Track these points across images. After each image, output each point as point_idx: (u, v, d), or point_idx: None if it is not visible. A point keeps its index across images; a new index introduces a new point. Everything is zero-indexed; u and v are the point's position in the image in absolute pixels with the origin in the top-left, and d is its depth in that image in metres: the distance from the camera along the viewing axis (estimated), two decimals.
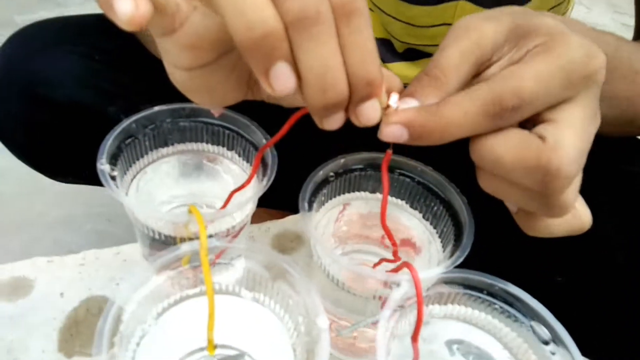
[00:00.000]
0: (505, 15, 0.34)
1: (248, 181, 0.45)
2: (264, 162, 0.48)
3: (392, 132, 0.32)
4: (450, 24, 0.57)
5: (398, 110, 0.32)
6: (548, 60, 0.31)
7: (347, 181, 0.49)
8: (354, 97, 0.31)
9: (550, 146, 0.31)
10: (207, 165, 0.53)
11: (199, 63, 0.33)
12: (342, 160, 0.48)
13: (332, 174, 0.48)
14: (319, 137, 0.53)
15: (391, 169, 0.49)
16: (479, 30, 0.33)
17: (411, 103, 0.33)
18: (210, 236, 0.46)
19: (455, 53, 0.33)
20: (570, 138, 0.31)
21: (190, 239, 0.45)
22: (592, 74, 0.32)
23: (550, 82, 0.31)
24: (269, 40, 0.28)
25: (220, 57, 0.34)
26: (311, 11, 0.28)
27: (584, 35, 0.32)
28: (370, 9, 0.61)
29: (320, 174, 0.47)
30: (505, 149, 0.31)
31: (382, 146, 0.36)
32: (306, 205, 0.44)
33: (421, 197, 0.49)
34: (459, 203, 0.46)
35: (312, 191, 0.46)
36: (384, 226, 0.40)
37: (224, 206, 0.46)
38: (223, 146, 0.53)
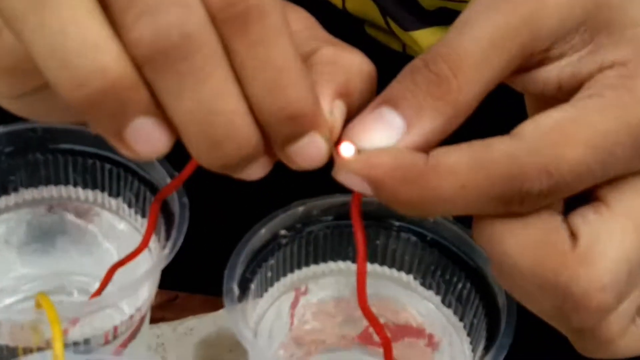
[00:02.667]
0: None
1: (141, 247, 0.42)
2: (166, 215, 0.44)
3: (349, 182, 0.30)
4: None
5: (359, 153, 0.31)
6: (620, 108, 0.30)
7: (310, 243, 0.46)
8: (275, 139, 0.30)
9: (580, 256, 0.30)
10: (75, 224, 0.50)
11: (27, 89, 0.33)
12: (301, 209, 0.44)
13: (283, 232, 0.45)
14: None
15: (386, 220, 0.45)
16: (539, 1, 0.31)
17: (386, 126, 0.31)
18: (76, 344, 0.43)
19: (485, 35, 0.30)
20: (615, 244, 0.30)
21: (42, 349, 0.42)
22: None
23: (615, 149, 0.30)
24: (114, 95, 0.27)
25: None
26: (173, 38, 0.27)
27: None
28: None
29: (262, 232, 0.43)
30: (518, 248, 0.30)
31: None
32: (235, 289, 0.41)
33: (437, 268, 0.45)
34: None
35: (248, 264, 0.43)
36: (363, 308, 0.37)
37: (99, 291, 0.43)
38: (102, 190, 0.49)
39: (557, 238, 0.30)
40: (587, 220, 0.31)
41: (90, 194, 0.49)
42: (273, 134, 0.30)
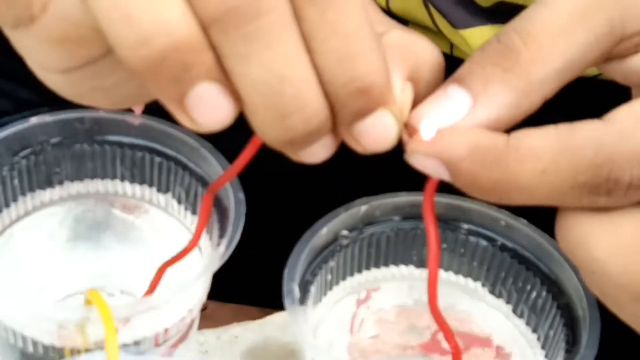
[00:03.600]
0: None
1: (192, 243, 0.41)
2: (220, 211, 0.44)
3: (424, 165, 0.30)
4: None
5: (434, 135, 0.30)
6: None
7: (372, 246, 0.46)
8: (343, 115, 0.29)
9: None
10: (122, 220, 0.50)
11: (78, 63, 0.32)
12: (364, 208, 0.44)
13: (344, 232, 0.44)
14: (320, 166, 0.48)
15: (453, 222, 0.45)
16: None
17: (450, 102, 0.30)
18: (126, 345, 0.43)
19: (566, 6, 0.30)
20: None
21: (89, 351, 0.42)
22: None
23: None
24: (177, 56, 0.27)
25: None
26: None
27: None
28: None
29: (323, 232, 0.43)
30: (609, 253, 0.29)
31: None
32: (296, 291, 0.40)
33: (508, 275, 0.44)
34: (574, 284, 0.42)
35: (308, 265, 0.42)
36: (434, 311, 0.37)
37: (150, 291, 0.43)
38: (150, 185, 0.49)
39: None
40: None
41: (138, 188, 0.49)
42: (340, 109, 0.29)
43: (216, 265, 0.42)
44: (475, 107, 0.30)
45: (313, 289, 0.42)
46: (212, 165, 0.45)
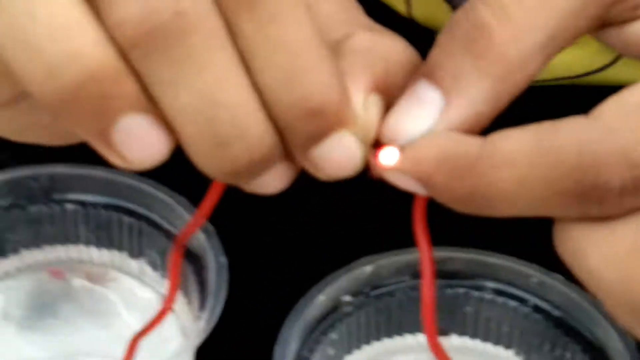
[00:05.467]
0: None
1: (164, 310, 0.39)
2: (199, 278, 0.43)
3: (398, 183, 0.29)
4: None
5: (402, 149, 0.29)
6: None
7: (382, 312, 0.44)
8: (294, 140, 0.28)
9: None
10: (87, 291, 0.47)
11: (2, 100, 0.31)
12: (369, 268, 0.42)
13: (347, 298, 0.42)
14: (315, 221, 0.53)
15: (477, 280, 0.42)
16: None
17: (421, 105, 0.29)
18: None
19: None
20: None
21: None
22: None
23: None
24: (95, 87, 0.27)
25: None
26: (164, 16, 0.26)
27: None
28: None
29: (320, 299, 0.41)
30: (603, 260, 0.27)
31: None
32: None
33: (544, 341, 0.42)
34: (619, 349, 0.40)
35: (304, 340, 0.41)
36: (434, 347, 0.34)
37: None
38: (120, 250, 0.47)
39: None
40: None
41: (105, 254, 0.47)
42: (290, 134, 0.28)
43: (196, 341, 0.40)
44: (449, 106, 0.29)
45: None
46: (187, 220, 0.44)
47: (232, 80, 0.27)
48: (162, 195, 0.45)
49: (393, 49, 0.31)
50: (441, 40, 0.30)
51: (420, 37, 0.61)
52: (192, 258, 0.42)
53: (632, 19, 0.30)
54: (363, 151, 0.29)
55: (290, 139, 0.28)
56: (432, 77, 0.29)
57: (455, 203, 0.28)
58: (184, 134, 0.28)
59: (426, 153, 0.29)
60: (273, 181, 0.29)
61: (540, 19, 0.29)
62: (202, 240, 0.42)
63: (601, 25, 0.30)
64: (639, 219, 0.28)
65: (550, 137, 0.27)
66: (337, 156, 0.29)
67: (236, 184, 0.29)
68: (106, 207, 0.45)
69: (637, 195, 0.27)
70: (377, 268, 0.42)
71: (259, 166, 0.28)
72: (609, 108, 0.28)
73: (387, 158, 0.29)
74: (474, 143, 0.28)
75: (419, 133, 0.29)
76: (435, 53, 0.30)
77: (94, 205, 0.45)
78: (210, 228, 0.43)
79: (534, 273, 0.42)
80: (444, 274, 0.43)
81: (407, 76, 0.31)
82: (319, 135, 0.28)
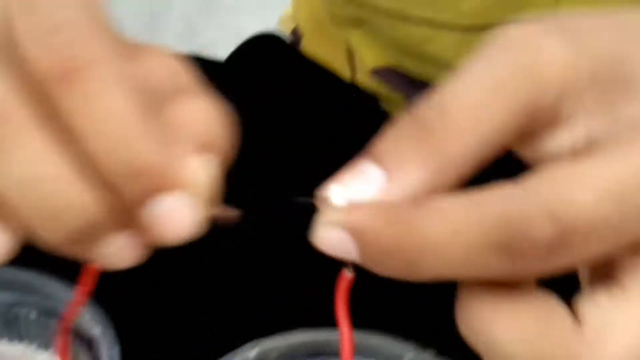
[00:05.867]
0: (593, 32, 0.31)
1: None
2: (90, 351, 0.43)
3: (330, 241, 0.29)
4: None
5: (343, 205, 0.29)
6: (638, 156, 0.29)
7: None
8: (126, 201, 0.29)
9: (587, 345, 0.28)
10: None
11: None
12: (254, 353, 0.42)
13: None
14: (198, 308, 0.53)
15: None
16: (542, 51, 0.30)
17: (364, 178, 0.29)
18: None
19: (480, 80, 0.30)
20: (627, 334, 0.29)
21: None
22: None
23: (635, 197, 0.28)
24: None
25: None
26: None
27: None
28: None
29: None
30: (509, 334, 0.28)
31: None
32: None
33: None
34: None
35: None
36: None
37: None
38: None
39: (557, 322, 0.29)
40: (597, 303, 0.29)
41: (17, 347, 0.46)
42: (118, 200, 0.29)
43: None
44: (390, 184, 0.29)
45: None
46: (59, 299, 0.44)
47: (48, 157, 0.28)
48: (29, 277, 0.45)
49: (212, 112, 0.33)
50: (388, 132, 0.31)
51: (363, 101, 0.64)
52: (82, 336, 0.42)
53: (544, 132, 0.31)
54: (199, 210, 0.30)
55: (121, 205, 0.29)
56: (376, 158, 0.30)
57: (385, 257, 0.29)
58: (20, 214, 0.29)
59: (363, 206, 0.29)
60: (115, 251, 0.30)
61: (478, 124, 0.30)
62: (88, 318, 0.42)
63: (522, 138, 0.31)
64: (545, 292, 0.29)
65: (480, 195, 0.28)
66: (169, 216, 0.29)
67: (82, 255, 0.29)
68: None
69: (560, 253, 0.28)
70: (262, 351, 0.42)
71: (93, 233, 0.29)
72: (532, 175, 0.29)
73: (337, 204, 0.30)
74: (409, 202, 0.29)
75: (360, 199, 0.30)
76: (381, 141, 0.31)
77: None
78: (96, 308, 0.42)
79: (407, 352, 0.42)
80: (325, 354, 0.43)
81: (227, 133, 0.33)
82: (147, 195, 0.29)
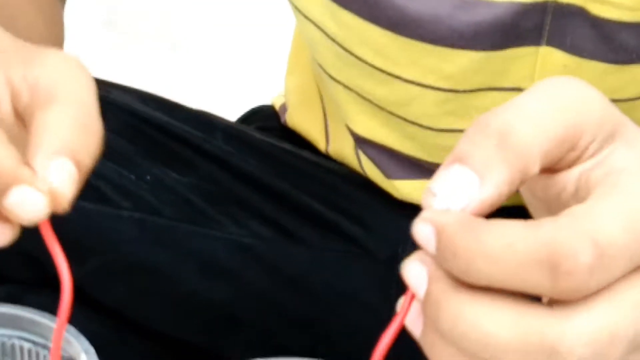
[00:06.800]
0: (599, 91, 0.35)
1: None
2: None
3: (421, 232, 0.32)
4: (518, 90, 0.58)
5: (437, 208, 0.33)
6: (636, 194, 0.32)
7: None
8: None
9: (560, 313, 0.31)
10: None
11: None
12: None
13: None
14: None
15: None
16: (586, 96, 0.33)
17: (464, 180, 0.32)
18: None
19: (544, 101, 0.33)
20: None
21: None
22: None
23: None
24: None
25: None
26: None
27: None
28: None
29: None
30: (497, 324, 0.31)
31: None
32: None
33: None
34: None
35: None
36: None
37: None
38: None
39: (533, 306, 0.31)
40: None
41: None
42: None
43: None
44: (483, 184, 0.32)
45: None
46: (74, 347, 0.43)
47: None
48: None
49: (78, 121, 0.37)
50: (467, 136, 0.34)
51: (334, 170, 0.67)
52: None
53: (564, 169, 0.34)
54: (46, 200, 0.36)
55: None
56: (465, 162, 0.33)
57: (450, 255, 0.32)
58: None
59: (449, 211, 0.32)
60: None
61: (541, 133, 0.33)
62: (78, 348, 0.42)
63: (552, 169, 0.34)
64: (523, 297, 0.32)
65: (534, 221, 0.31)
66: (22, 204, 0.36)
67: None
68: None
69: (597, 275, 0.31)
70: None
71: None
72: (563, 215, 0.32)
73: (438, 205, 0.33)
74: (483, 218, 0.32)
75: (461, 202, 0.33)
76: (466, 145, 0.33)
77: None
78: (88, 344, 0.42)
79: None
80: None
81: (87, 142, 0.38)
82: (2, 190, 0.35)
